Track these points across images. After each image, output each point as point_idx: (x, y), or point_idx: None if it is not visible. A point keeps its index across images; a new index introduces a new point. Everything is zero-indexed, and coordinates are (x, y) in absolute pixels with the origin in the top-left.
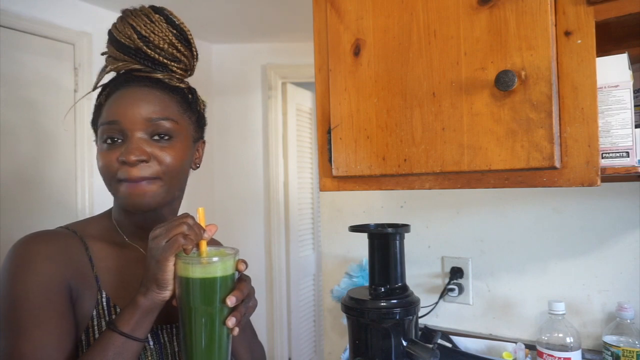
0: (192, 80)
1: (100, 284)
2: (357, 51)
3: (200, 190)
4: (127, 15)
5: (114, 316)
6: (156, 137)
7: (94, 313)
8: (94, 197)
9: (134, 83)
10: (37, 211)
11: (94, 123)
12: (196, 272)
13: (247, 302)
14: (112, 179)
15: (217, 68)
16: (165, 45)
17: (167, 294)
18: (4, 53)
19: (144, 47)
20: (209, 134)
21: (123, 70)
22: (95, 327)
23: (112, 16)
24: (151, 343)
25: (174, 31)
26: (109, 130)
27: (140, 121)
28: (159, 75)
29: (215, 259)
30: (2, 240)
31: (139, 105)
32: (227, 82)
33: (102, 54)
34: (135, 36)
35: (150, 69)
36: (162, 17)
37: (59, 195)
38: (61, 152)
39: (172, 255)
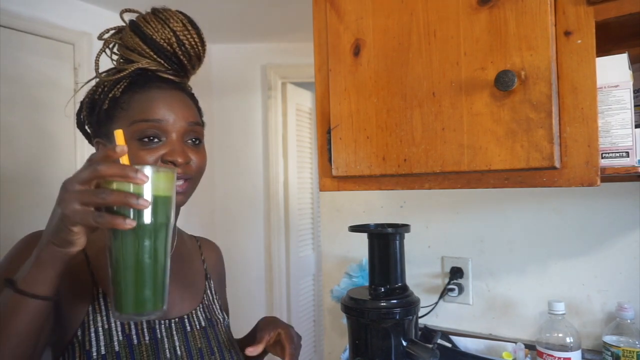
0: (192, 80)
1: (96, 279)
2: (357, 51)
3: (200, 190)
4: (167, 18)
5: (110, 311)
6: (189, 141)
7: (90, 308)
8: None
9: (164, 84)
10: (37, 211)
11: (108, 113)
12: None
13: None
14: None
15: (217, 68)
16: (194, 55)
17: (72, 250)
18: (4, 53)
19: (179, 53)
20: (209, 134)
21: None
22: (91, 322)
23: (112, 16)
24: (147, 338)
25: (201, 44)
26: (149, 128)
27: (182, 124)
28: (179, 80)
29: (166, 169)
30: (2, 240)
31: (180, 109)
32: (227, 82)
33: (103, 37)
34: (174, 40)
35: (173, 72)
36: (194, 29)
37: None
38: (61, 152)
39: (81, 225)
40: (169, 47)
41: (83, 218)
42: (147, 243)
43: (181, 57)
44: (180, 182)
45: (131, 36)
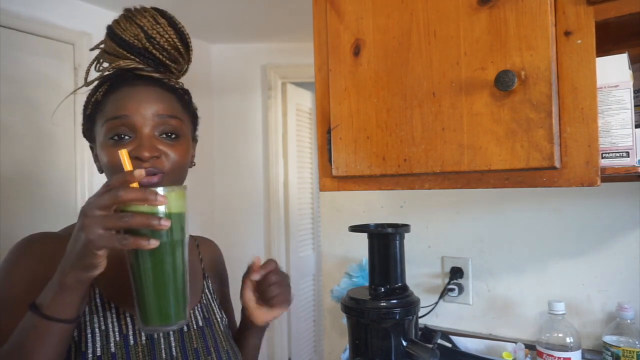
0: (192, 80)
1: (93, 281)
2: (357, 51)
3: (200, 190)
4: (134, 15)
5: (108, 312)
6: (164, 135)
7: (87, 309)
8: None
9: (138, 81)
10: (36, 211)
11: (91, 117)
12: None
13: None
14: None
15: (217, 68)
16: (169, 47)
17: (95, 273)
18: (4, 53)
19: (150, 47)
20: (209, 134)
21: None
22: (87, 323)
23: (112, 16)
24: (143, 338)
25: (177, 34)
26: (118, 125)
27: (151, 118)
28: (160, 75)
29: (180, 188)
30: (2, 240)
31: (149, 102)
32: (227, 82)
33: (93, 49)
34: (143, 35)
35: (152, 68)
36: (166, 21)
37: (59, 195)
38: (61, 152)
39: (106, 248)
40: (138, 43)
41: (108, 242)
42: (168, 259)
43: (153, 51)
44: (154, 178)
45: (108, 41)
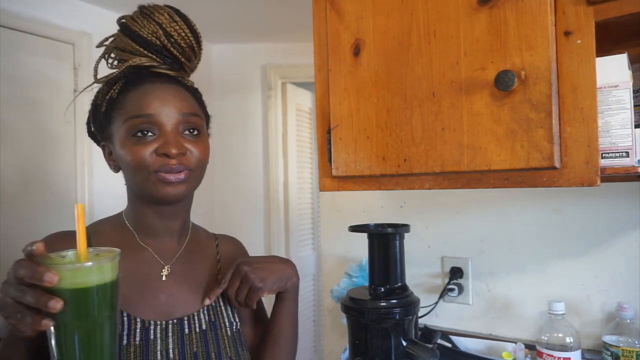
0: (192, 80)
1: None
2: (357, 51)
3: (200, 190)
4: (152, 12)
5: None
6: (186, 132)
7: None
8: (94, 197)
9: (157, 79)
10: (37, 211)
11: (106, 116)
12: (64, 280)
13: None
14: (145, 171)
15: (217, 68)
16: (185, 45)
17: (22, 335)
18: (4, 53)
19: (168, 45)
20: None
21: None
22: None
23: (113, 16)
24: (137, 339)
25: (192, 33)
26: (142, 123)
27: (176, 115)
28: (175, 73)
29: (89, 263)
30: (2, 239)
31: (173, 100)
32: (227, 82)
33: (99, 45)
34: (162, 33)
35: (167, 66)
36: (182, 19)
37: (59, 195)
38: (61, 152)
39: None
40: (157, 41)
41: (10, 314)
42: (85, 338)
43: (171, 49)
44: (182, 174)
45: (122, 37)
